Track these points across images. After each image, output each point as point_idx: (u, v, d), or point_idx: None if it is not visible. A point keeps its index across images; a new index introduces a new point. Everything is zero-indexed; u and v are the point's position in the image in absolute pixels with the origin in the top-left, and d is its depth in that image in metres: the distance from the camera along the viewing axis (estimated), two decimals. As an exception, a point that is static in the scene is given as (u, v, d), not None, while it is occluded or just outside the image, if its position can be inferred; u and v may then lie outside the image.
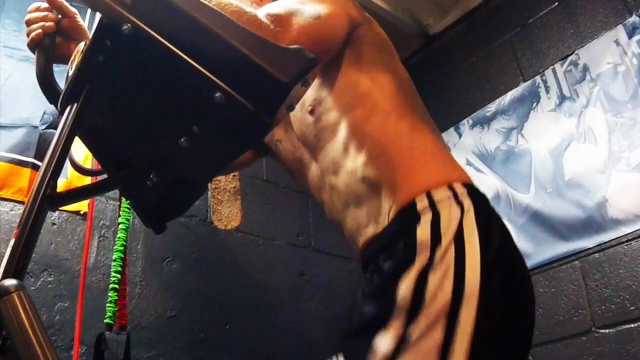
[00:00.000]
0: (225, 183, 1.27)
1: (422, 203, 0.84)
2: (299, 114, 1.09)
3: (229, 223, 1.32)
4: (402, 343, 0.71)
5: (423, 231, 0.81)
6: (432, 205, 0.84)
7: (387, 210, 0.89)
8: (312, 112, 1.04)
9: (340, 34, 1.00)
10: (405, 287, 0.76)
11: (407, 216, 0.84)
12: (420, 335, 0.71)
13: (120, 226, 1.79)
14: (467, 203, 0.84)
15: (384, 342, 0.72)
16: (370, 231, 0.92)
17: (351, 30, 1.03)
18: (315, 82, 1.05)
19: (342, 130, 0.97)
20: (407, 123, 0.96)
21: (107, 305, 1.65)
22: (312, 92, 1.05)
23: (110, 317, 1.62)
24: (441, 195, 0.85)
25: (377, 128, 0.94)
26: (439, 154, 0.95)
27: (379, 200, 0.91)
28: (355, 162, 0.94)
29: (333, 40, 1.00)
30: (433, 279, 0.75)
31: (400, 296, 0.75)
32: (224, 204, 1.28)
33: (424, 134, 0.96)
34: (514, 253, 0.86)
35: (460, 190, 0.86)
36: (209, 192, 1.34)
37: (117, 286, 1.67)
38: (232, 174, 1.27)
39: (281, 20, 0.89)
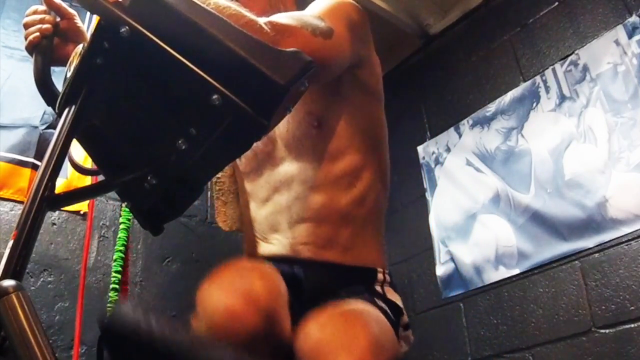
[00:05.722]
0: (229, 185, 1.29)
1: (380, 275, 1.13)
2: (297, 117, 1.10)
3: (234, 224, 1.34)
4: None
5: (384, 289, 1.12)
6: (385, 282, 1.13)
7: (346, 244, 1.10)
8: (318, 126, 1.11)
9: (343, 61, 1.05)
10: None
11: (371, 276, 1.12)
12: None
13: (121, 226, 1.79)
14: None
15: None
16: (328, 254, 1.09)
17: (352, 62, 1.08)
18: (325, 102, 1.10)
19: (344, 162, 1.12)
20: (385, 200, 1.20)
21: (107, 305, 1.65)
22: (321, 107, 1.10)
23: (110, 317, 1.62)
24: (388, 278, 1.14)
25: (370, 183, 1.14)
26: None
27: (345, 232, 1.10)
28: (345, 193, 1.10)
29: (335, 63, 1.02)
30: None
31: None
32: (229, 205, 1.30)
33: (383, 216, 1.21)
34: None
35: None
36: (213, 194, 1.35)
37: (117, 286, 1.68)
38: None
39: (286, 30, 0.89)
